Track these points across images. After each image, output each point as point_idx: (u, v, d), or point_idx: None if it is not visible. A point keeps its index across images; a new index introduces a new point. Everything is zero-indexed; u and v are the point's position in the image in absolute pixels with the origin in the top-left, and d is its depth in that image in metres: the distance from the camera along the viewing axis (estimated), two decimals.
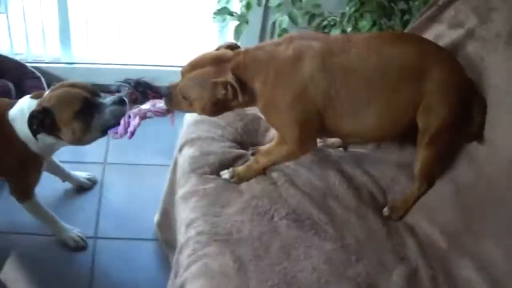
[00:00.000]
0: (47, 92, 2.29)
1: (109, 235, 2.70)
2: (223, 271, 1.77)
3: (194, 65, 1.95)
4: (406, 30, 2.52)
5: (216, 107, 1.95)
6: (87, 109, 2.26)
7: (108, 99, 2.30)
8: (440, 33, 2.36)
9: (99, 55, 3.53)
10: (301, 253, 1.85)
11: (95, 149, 3.01)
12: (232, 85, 1.85)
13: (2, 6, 3.44)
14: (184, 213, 2.03)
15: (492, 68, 2.10)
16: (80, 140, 2.31)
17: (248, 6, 2.79)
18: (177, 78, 3.35)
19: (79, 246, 2.60)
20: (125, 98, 2.33)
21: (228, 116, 2.24)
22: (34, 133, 2.22)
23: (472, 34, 2.26)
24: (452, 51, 2.24)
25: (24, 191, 2.49)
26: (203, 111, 1.98)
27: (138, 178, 3.01)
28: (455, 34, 2.31)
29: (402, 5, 2.77)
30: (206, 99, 1.91)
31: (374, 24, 2.58)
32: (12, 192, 2.50)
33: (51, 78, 3.35)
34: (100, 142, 2.94)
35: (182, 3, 3.44)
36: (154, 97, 3.31)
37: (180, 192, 2.11)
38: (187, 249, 1.89)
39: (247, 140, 2.30)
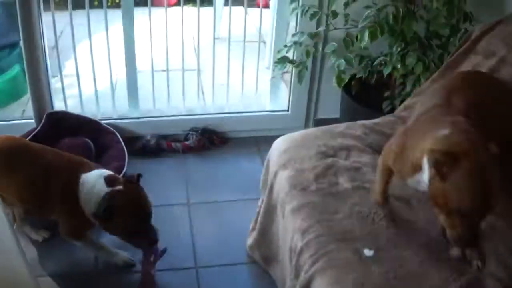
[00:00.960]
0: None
1: (208, 263, 3.03)
2: (347, 263, 2.16)
3: None
4: (444, 64, 2.95)
5: None
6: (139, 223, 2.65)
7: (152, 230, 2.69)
8: (478, 62, 2.87)
9: (164, 107, 3.97)
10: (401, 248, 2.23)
11: (176, 190, 3.48)
12: None
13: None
14: (295, 223, 2.42)
15: None
16: (114, 233, 2.70)
17: (307, 53, 3.22)
18: (237, 125, 3.85)
19: (128, 265, 2.93)
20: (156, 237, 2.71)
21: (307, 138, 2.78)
22: (102, 216, 2.58)
23: (504, 60, 2.69)
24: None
25: (75, 233, 2.84)
26: None
27: (219, 213, 3.37)
28: (489, 63, 2.75)
29: (436, 42, 3.21)
30: None
31: (419, 59, 3.00)
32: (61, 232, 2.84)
33: (121, 132, 3.74)
34: (181, 185, 3.48)
35: (238, 55, 3.90)
36: (220, 142, 3.74)
37: (288, 207, 2.51)
38: (308, 250, 2.28)
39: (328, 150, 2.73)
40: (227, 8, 3.80)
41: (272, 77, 3.41)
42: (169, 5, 3.87)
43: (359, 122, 2.94)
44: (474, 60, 2.88)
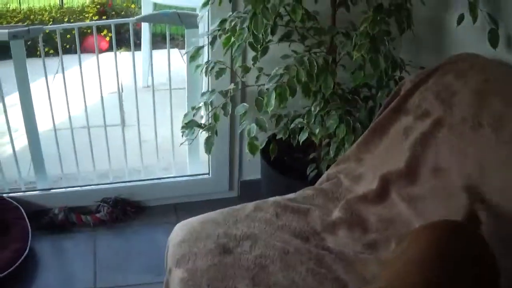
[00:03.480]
0: None
1: None
2: None
3: None
4: (370, 126, 2.35)
5: None
6: None
7: None
8: (409, 125, 2.23)
9: (74, 178, 3.32)
10: None
11: (83, 272, 2.85)
12: None
13: None
14: None
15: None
16: None
17: (215, 117, 2.60)
18: (152, 192, 3.21)
19: None
20: None
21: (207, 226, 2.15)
22: None
23: (440, 123, 2.11)
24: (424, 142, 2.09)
25: None
26: None
27: None
28: (423, 125, 2.16)
29: (365, 93, 2.62)
30: None
31: (341, 121, 2.40)
32: None
33: (27, 206, 3.15)
34: (88, 265, 2.87)
35: (150, 119, 3.27)
36: (135, 213, 3.13)
37: None
38: None
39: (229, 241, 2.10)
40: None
41: (181, 144, 2.80)
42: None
43: (271, 199, 2.30)
44: (405, 121, 2.25)
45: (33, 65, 3.27)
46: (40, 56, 3.05)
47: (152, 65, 3.29)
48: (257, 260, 2.00)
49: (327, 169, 2.55)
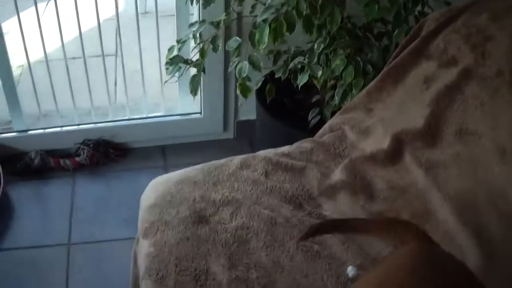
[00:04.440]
0: None
1: None
2: None
3: None
4: (386, 67, 1.91)
5: None
6: None
7: None
8: (431, 74, 1.80)
9: (52, 119, 2.90)
10: None
11: (58, 224, 2.54)
12: None
13: None
14: None
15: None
16: None
17: (203, 52, 2.17)
18: (138, 132, 2.81)
19: None
20: None
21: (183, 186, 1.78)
22: None
23: (469, 73, 1.67)
24: (448, 96, 1.66)
25: None
26: None
27: (104, 258, 2.40)
28: (448, 75, 1.72)
29: (379, 28, 2.18)
30: None
31: (348, 62, 1.96)
32: None
33: (4, 149, 2.80)
34: (64, 215, 2.56)
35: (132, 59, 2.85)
36: (118, 155, 2.75)
37: None
38: None
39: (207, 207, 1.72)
40: None
41: (166, 82, 2.37)
42: None
43: (261, 153, 1.92)
44: (426, 68, 1.82)
45: None
46: None
47: None
48: (237, 232, 1.64)
49: (331, 116, 2.14)
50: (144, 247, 1.66)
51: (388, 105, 1.89)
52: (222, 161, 1.91)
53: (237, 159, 1.90)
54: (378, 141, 1.83)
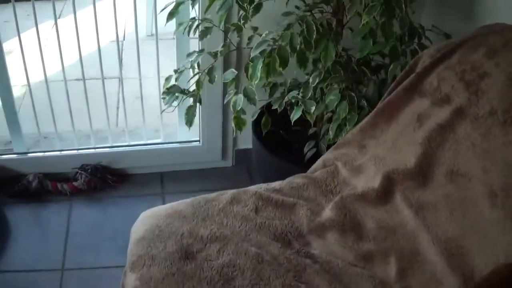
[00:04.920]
0: None
1: None
2: None
3: None
4: (378, 106, 1.89)
5: None
6: None
7: None
8: (424, 112, 1.77)
9: (52, 141, 2.90)
10: None
11: (53, 248, 2.51)
12: None
13: None
14: None
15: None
16: None
17: (199, 84, 2.16)
18: (137, 159, 2.80)
19: None
20: None
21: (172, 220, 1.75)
22: None
23: (462, 112, 1.65)
24: (440, 136, 1.64)
25: None
26: None
27: (98, 284, 2.38)
28: (441, 113, 1.70)
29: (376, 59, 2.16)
30: None
31: (343, 97, 1.94)
32: None
33: (2, 171, 2.79)
34: (59, 240, 2.53)
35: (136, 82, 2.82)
36: (116, 182, 2.74)
37: None
38: None
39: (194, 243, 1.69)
40: None
41: (163, 111, 2.35)
42: None
43: (252, 188, 1.88)
44: (420, 105, 1.80)
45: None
46: None
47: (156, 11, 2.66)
48: (223, 270, 1.61)
49: (327, 149, 2.11)
50: (131, 280, 1.64)
51: (381, 142, 1.87)
52: (213, 195, 1.89)
53: (228, 193, 1.87)
54: (370, 180, 1.80)
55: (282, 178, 1.96)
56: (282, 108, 2.23)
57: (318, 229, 1.74)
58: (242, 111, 2.10)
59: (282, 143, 2.45)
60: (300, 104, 2.03)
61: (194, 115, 2.20)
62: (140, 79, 2.73)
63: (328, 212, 1.78)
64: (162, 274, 1.60)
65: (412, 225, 1.66)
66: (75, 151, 2.86)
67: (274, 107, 2.27)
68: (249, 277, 1.58)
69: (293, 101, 2.07)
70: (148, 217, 1.84)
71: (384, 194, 1.75)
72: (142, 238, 1.74)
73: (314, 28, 1.88)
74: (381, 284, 1.57)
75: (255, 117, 2.33)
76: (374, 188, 1.77)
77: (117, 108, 3.28)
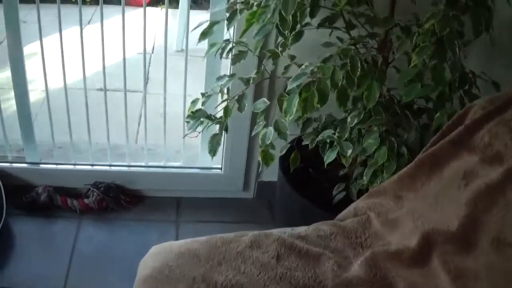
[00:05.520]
0: None
1: None
2: None
3: None
4: (422, 153, 1.74)
5: None
6: None
7: None
8: (471, 169, 1.60)
9: (66, 153, 2.78)
10: None
11: (55, 269, 2.36)
12: None
13: None
14: None
15: None
16: None
17: (227, 111, 2.02)
18: (154, 181, 2.66)
19: None
20: None
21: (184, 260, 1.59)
22: None
23: None
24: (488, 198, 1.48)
25: None
26: None
27: None
28: (491, 173, 1.54)
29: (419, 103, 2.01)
30: None
31: (382, 142, 1.79)
32: None
33: (12, 180, 2.67)
34: (63, 260, 2.39)
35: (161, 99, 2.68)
36: (129, 203, 2.60)
37: None
38: None
39: None
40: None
41: (185, 136, 2.22)
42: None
43: (275, 232, 1.72)
44: (468, 161, 1.64)
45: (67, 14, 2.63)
46: (76, 3, 2.45)
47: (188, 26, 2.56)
48: None
49: (358, 194, 1.97)
50: None
51: (420, 196, 1.71)
52: (232, 235, 1.74)
53: (248, 236, 1.72)
54: (406, 237, 1.64)
55: (305, 218, 1.83)
56: (314, 145, 2.08)
57: (344, 286, 1.57)
58: (272, 145, 1.94)
59: (309, 181, 2.30)
60: (336, 145, 1.87)
61: (219, 144, 2.06)
62: (165, 96, 2.60)
63: (356, 268, 1.61)
64: None
65: None
66: (89, 167, 2.75)
67: (305, 143, 2.13)
68: None
69: (328, 140, 1.92)
70: (159, 252, 1.69)
71: (421, 255, 1.58)
72: (149, 276, 1.60)
73: (359, 65, 1.72)
74: None
75: (283, 153, 2.18)
76: (410, 247, 1.60)
77: (138, 124, 3.15)
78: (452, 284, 1.49)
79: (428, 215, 1.64)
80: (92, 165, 2.74)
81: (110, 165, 2.74)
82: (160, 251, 1.70)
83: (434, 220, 1.62)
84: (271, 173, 2.59)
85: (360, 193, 1.95)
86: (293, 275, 1.59)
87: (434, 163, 1.71)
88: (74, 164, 2.74)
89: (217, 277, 1.56)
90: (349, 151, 1.85)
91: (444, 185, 1.67)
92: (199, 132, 2.18)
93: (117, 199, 2.66)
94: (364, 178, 1.92)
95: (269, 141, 1.92)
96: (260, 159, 2.02)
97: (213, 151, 2.06)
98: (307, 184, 2.27)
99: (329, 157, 1.90)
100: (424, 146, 1.82)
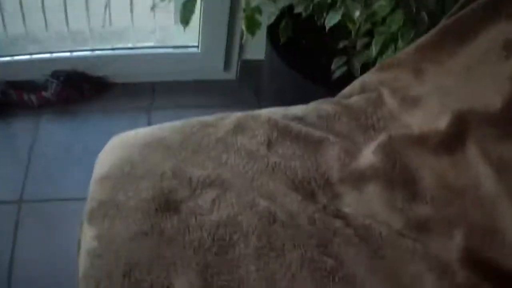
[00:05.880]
0: None
1: None
2: None
3: None
4: (447, 18, 1.47)
5: None
6: None
7: None
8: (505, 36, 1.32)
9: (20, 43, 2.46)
10: None
11: (12, 174, 2.10)
12: None
13: None
14: None
15: None
16: None
17: None
18: (121, 66, 2.34)
19: None
20: None
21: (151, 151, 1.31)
22: None
23: None
24: None
25: None
26: None
27: (57, 221, 1.95)
28: None
29: None
30: None
31: (398, 4, 1.46)
32: None
33: None
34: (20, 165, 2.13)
35: None
36: (95, 91, 2.28)
37: None
38: None
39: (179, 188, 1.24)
40: None
41: (153, 8, 1.86)
42: None
43: (265, 112, 1.44)
44: (507, 29, 1.36)
45: None
46: None
47: None
48: (218, 230, 1.16)
49: (361, 71, 1.67)
50: (87, 237, 1.19)
51: (447, 70, 1.42)
52: (211, 118, 1.42)
53: (231, 118, 1.41)
54: (432, 118, 1.36)
55: (299, 99, 1.52)
56: (309, 12, 1.73)
57: (355, 179, 1.29)
58: (258, 9, 1.59)
59: (303, 56, 1.98)
60: (339, 6, 1.52)
61: (192, 12, 1.71)
62: None
63: (369, 156, 1.32)
64: (130, 233, 1.15)
65: (489, 189, 1.22)
66: (47, 55, 2.41)
67: (296, 11, 1.79)
68: (254, 245, 1.13)
69: (329, 1, 1.56)
70: (118, 146, 1.37)
71: (452, 140, 1.32)
72: (106, 176, 1.29)
73: None
74: (439, 268, 1.12)
75: (272, 20, 1.83)
76: (438, 130, 1.32)
77: (105, 7, 2.80)
78: (496, 177, 1.23)
79: (461, 92, 1.38)
80: (51, 53, 2.41)
81: (71, 51, 2.41)
82: (120, 143, 1.38)
83: (469, 98, 1.36)
84: (258, 50, 2.27)
85: (365, 68, 1.65)
86: (289, 165, 1.30)
87: (462, 30, 1.43)
88: (30, 54, 2.41)
89: (192, 171, 1.25)
90: (357, 12, 1.52)
91: (479, 56, 1.40)
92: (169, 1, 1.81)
93: (80, 89, 2.34)
94: (373, 47, 1.60)
95: (255, 4, 1.56)
96: (243, 26, 1.67)
97: (185, 20, 1.73)
98: (300, 61, 1.96)
99: (332, 19, 1.60)
100: (445, 13, 1.51)
